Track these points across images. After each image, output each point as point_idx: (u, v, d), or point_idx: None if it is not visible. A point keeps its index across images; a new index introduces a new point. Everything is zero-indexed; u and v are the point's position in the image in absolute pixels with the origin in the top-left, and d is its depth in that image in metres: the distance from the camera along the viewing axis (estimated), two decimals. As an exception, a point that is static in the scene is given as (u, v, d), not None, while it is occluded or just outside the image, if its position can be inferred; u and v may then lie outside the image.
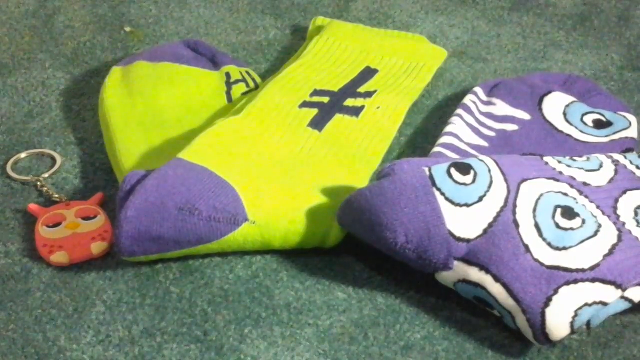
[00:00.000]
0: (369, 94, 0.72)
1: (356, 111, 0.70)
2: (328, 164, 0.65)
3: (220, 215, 0.58)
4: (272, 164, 0.63)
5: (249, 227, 0.59)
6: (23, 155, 0.70)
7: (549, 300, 0.52)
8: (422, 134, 0.72)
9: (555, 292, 0.52)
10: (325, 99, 0.71)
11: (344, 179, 0.64)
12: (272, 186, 0.61)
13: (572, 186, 0.58)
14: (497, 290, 0.54)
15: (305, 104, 0.70)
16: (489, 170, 0.57)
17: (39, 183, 0.67)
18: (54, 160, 0.69)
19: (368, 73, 0.76)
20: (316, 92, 0.72)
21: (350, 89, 0.73)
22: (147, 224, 0.57)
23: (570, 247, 0.54)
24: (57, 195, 0.66)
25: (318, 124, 0.68)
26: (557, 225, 0.55)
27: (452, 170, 0.56)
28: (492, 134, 0.68)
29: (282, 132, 0.67)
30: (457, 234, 0.55)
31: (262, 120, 0.67)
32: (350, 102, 0.71)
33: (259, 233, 0.59)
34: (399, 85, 0.75)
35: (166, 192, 0.57)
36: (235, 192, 0.59)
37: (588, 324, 0.54)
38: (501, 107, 0.70)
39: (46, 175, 0.68)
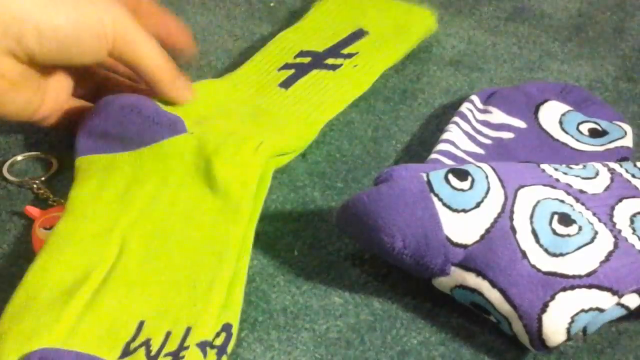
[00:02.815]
0: (350, 55, 0.75)
1: (334, 67, 0.74)
2: (276, 115, 0.68)
3: (162, 119, 0.63)
4: (222, 113, 0.67)
5: (187, 136, 0.63)
6: (19, 157, 0.70)
7: (545, 306, 0.52)
8: (418, 141, 0.73)
9: (552, 297, 0.52)
10: (307, 59, 0.74)
11: (288, 125, 0.67)
12: (214, 123, 0.65)
13: (568, 193, 0.58)
14: (493, 295, 0.54)
15: (285, 66, 0.73)
16: (486, 177, 0.57)
17: (35, 186, 0.67)
18: (50, 163, 0.69)
19: (358, 35, 0.78)
20: (301, 53, 0.75)
21: (335, 50, 0.76)
22: (96, 121, 0.63)
23: (567, 254, 0.54)
24: (53, 198, 0.65)
25: (288, 83, 0.72)
26: (554, 232, 0.55)
27: (450, 176, 0.57)
28: (489, 141, 0.69)
29: (250, 93, 0.71)
30: (455, 239, 0.55)
31: (236, 83, 0.71)
32: (330, 61, 0.74)
33: (196, 144, 0.62)
34: (383, 47, 0.77)
35: (114, 97, 0.65)
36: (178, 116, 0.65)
37: (584, 330, 0.54)
38: (497, 115, 0.71)
39: (43, 178, 0.67)
